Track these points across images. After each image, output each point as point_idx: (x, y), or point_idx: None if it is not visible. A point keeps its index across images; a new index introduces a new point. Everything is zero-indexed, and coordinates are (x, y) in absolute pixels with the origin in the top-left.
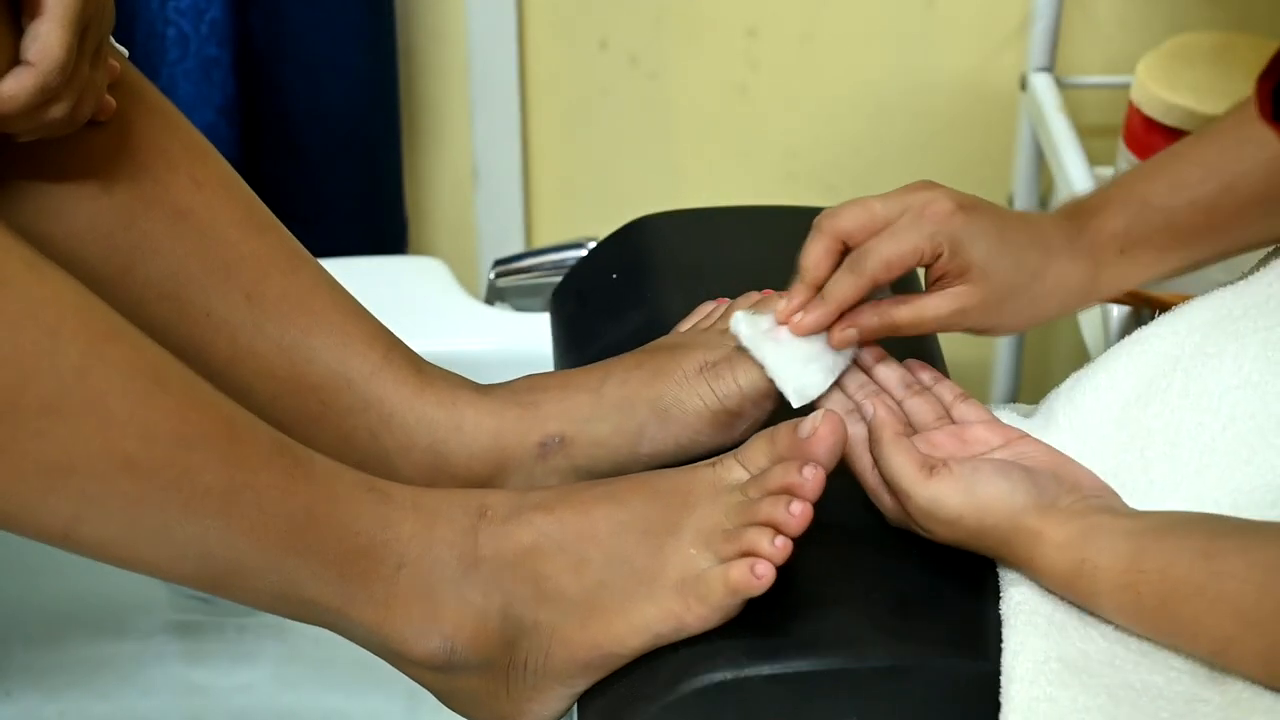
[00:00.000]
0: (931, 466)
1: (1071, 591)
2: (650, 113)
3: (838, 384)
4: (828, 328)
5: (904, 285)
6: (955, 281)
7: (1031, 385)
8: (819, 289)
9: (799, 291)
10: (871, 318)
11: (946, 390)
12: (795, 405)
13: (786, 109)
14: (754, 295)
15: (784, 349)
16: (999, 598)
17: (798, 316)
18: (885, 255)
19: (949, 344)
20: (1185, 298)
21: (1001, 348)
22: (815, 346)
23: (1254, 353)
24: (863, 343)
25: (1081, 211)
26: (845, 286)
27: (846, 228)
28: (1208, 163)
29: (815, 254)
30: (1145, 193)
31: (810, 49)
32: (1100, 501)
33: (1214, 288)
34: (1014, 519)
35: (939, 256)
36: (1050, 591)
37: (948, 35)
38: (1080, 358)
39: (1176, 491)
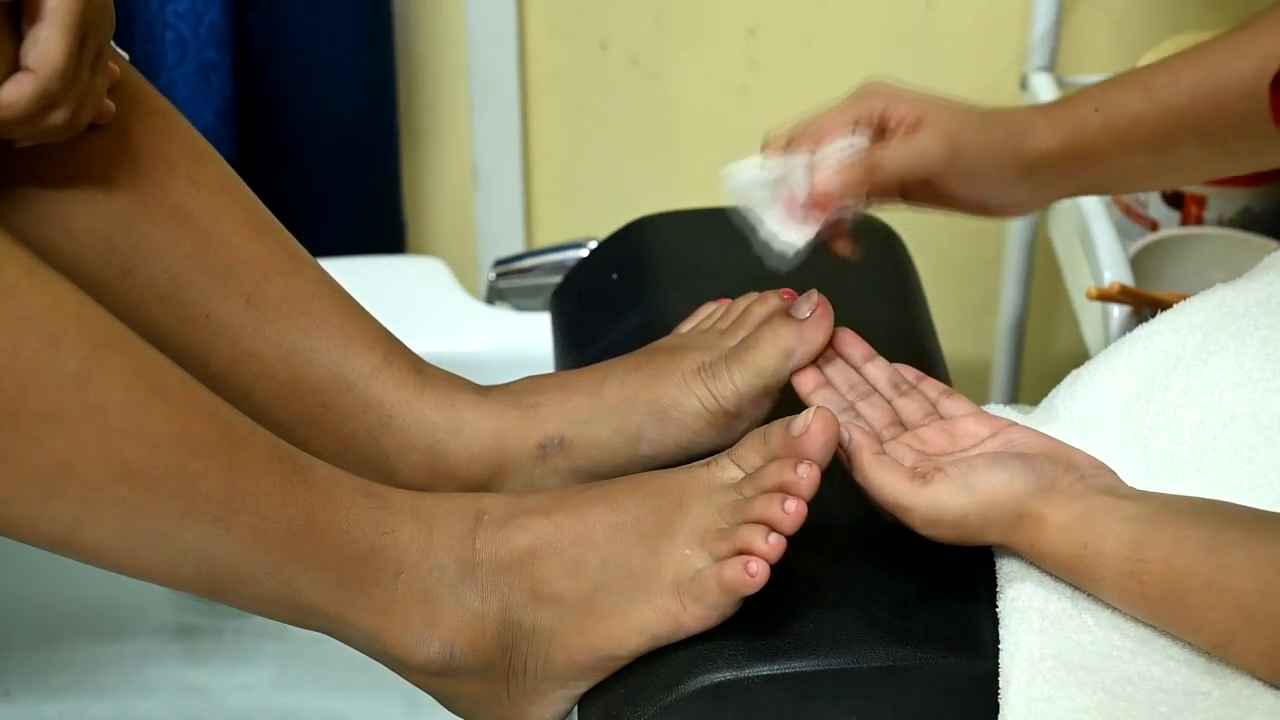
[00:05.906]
0: (924, 474)
1: (1074, 576)
2: (650, 113)
3: (832, 385)
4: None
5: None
6: (913, 129)
7: (1031, 385)
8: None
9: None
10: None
11: (931, 387)
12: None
13: (786, 109)
14: (753, 295)
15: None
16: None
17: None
18: (819, 120)
19: (949, 345)
20: (1185, 297)
21: (1001, 348)
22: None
23: (1255, 351)
24: (844, 199)
25: None
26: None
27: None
28: (1143, 81)
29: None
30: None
31: (810, 49)
32: (1099, 481)
33: (1214, 286)
34: (1017, 506)
35: (880, 120)
36: (1049, 578)
37: (948, 35)
38: (1080, 358)
39: (1178, 489)
